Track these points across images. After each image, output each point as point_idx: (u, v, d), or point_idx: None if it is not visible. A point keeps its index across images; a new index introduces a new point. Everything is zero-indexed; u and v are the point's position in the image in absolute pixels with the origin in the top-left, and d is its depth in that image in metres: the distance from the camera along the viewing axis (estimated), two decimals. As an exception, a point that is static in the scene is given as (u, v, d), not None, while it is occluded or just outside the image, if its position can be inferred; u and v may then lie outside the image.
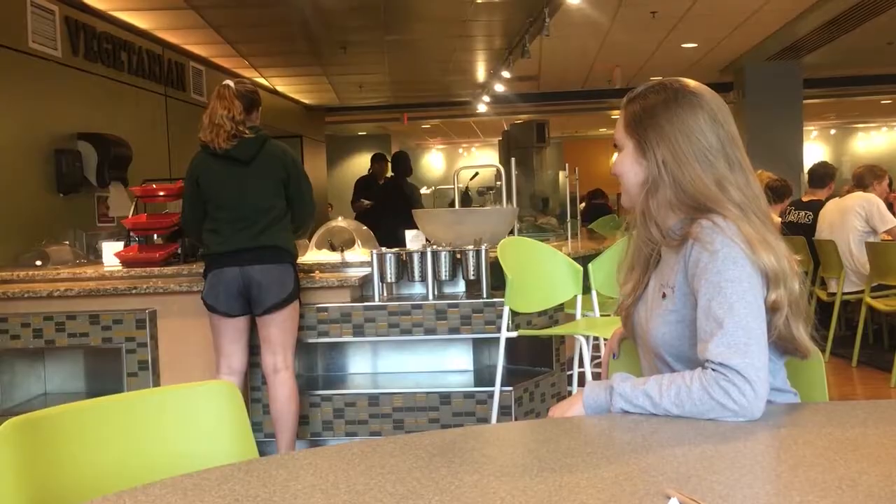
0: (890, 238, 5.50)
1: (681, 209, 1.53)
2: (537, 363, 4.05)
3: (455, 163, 19.17)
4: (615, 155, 1.67)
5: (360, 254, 4.33)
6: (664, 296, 1.54)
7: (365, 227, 4.73)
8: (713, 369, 1.38)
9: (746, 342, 1.38)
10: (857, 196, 5.75)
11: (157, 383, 3.67)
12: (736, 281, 1.41)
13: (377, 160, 8.94)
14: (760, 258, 1.44)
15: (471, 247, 3.79)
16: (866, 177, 5.86)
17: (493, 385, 3.51)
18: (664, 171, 1.53)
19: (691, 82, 1.59)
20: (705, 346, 1.41)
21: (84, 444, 1.36)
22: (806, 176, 6.94)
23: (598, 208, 10.91)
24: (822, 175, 6.40)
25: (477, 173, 9.22)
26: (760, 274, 1.45)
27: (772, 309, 1.46)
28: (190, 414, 1.48)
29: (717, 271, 1.42)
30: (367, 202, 8.33)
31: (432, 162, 20.52)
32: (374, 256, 3.80)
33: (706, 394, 1.36)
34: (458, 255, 3.82)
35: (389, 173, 8.84)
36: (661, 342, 1.54)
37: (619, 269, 1.70)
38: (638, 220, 1.59)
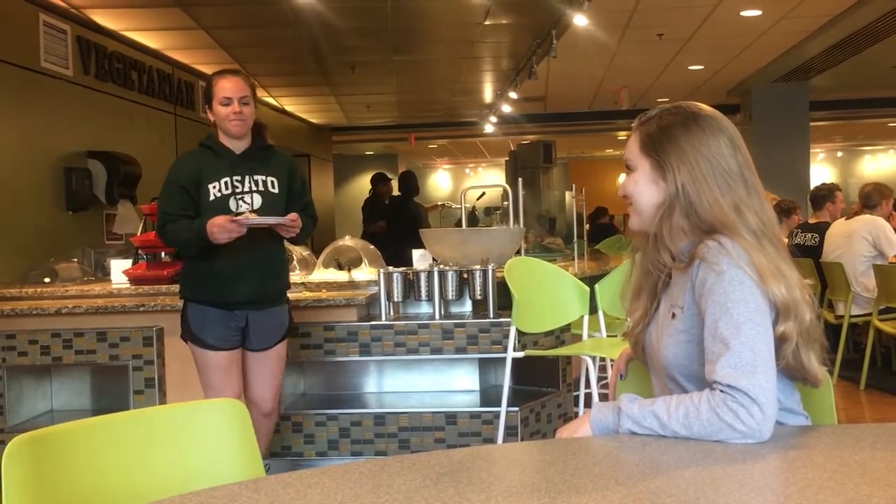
0: (898, 261, 5.49)
1: (693, 232, 1.53)
2: (544, 384, 4.04)
3: (462, 183, 19.22)
4: (622, 176, 1.67)
5: (367, 273, 4.34)
6: (674, 316, 1.53)
7: (372, 246, 4.74)
8: (721, 390, 1.37)
9: (753, 363, 1.37)
10: (864, 220, 5.73)
11: (163, 401, 3.67)
12: (742, 302, 1.41)
13: (378, 181, 8.92)
14: (770, 290, 1.44)
15: (478, 266, 3.80)
16: (873, 196, 5.84)
17: (499, 405, 3.50)
18: (681, 194, 1.52)
19: (705, 106, 1.59)
20: (713, 368, 1.40)
21: (91, 461, 1.36)
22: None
23: (603, 228, 10.91)
24: (817, 198, 6.42)
25: (483, 193, 9.24)
26: (769, 302, 1.44)
27: (780, 340, 1.45)
28: (197, 432, 1.48)
29: (723, 292, 1.42)
30: (381, 223, 8.30)
31: (439, 182, 20.58)
32: (381, 275, 3.81)
33: (714, 415, 1.36)
34: (465, 275, 3.82)
35: (394, 192, 8.86)
36: (672, 362, 1.53)
37: (623, 294, 1.69)
38: (650, 244, 1.58)
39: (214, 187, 3.00)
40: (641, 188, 1.58)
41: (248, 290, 3.06)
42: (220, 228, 2.87)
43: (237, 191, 3.01)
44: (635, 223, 1.62)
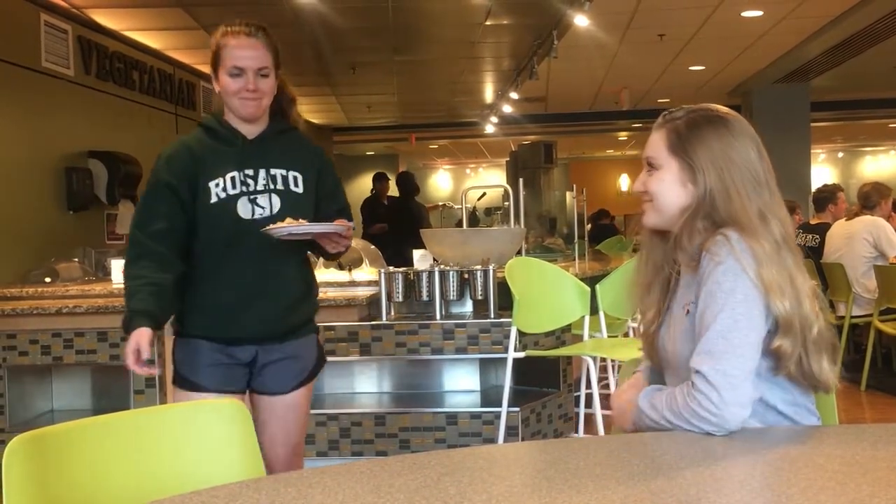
0: (899, 262, 5.49)
1: (708, 231, 1.52)
2: (544, 384, 4.04)
3: (462, 183, 19.22)
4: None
5: (367, 273, 4.34)
6: (688, 312, 1.54)
7: (373, 247, 4.74)
8: (693, 379, 1.41)
9: (722, 350, 1.40)
10: (865, 221, 5.73)
11: (163, 401, 3.67)
12: (729, 292, 1.42)
13: (378, 179, 8.99)
14: (773, 303, 1.44)
15: (478, 267, 3.80)
16: (872, 196, 5.84)
17: (499, 405, 3.50)
18: (709, 198, 1.52)
19: (728, 109, 1.59)
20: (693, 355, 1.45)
21: (92, 460, 1.36)
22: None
23: (604, 229, 10.92)
24: (819, 199, 6.42)
25: (484, 193, 9.25)
26: (770, 315, 1.44)
27: (775, 353, 1.46)
28: (197, 432, 1.48)
29: (715, 281, 1.44)
30: (382, 225, 8.35)
31: (439, 182, 20.58)
32: (382, 276, 3.81)
33: (686, 402, 1.40)
34: (466, 275, 3.82)
35: (392, 192, 8.90)
36: (689, 359, 1.52)
37: (631, 293, 1.68)
38: (671, 242, 1.57)
39: (217, 185, 2.21)
40: (667, 188, 1.56)
41: (256, 324, 2.25)
42: (129, 349, 2.11)
43: (248, 189, 2.22)
44: (652, 220, 1.59)
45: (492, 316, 3.74)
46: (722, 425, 1.36)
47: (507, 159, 12.60)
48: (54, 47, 6.13)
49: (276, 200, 2.25)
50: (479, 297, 3.80)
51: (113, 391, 3.93)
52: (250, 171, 2.24)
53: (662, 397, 1.46)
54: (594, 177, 17.98)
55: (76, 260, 5.08)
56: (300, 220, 2.18)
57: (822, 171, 18.10)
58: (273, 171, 2.26)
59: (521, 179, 5.22)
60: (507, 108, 11.12)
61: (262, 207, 2.23)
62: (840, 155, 19.45)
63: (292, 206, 2.25)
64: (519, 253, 4.62)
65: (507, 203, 5.40)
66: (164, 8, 6.62)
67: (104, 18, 6.72)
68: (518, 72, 9.20)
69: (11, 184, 5.61)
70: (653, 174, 1.58)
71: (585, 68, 9.47)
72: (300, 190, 2.28)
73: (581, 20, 6.47)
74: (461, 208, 5.03)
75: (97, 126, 6.66)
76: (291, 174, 2.28)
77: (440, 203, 10.70)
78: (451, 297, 3.81)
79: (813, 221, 6.46)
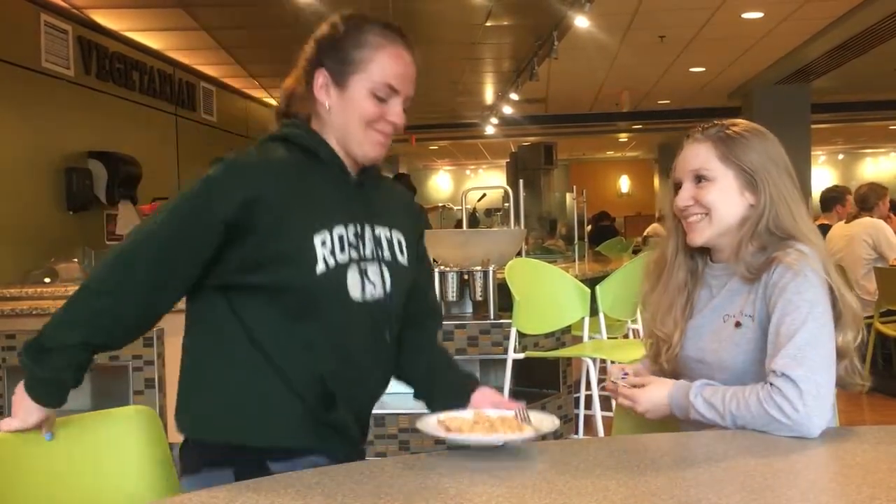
0: (899, 264, 5.49)
1: (769, 243, 1.52)
2: (544, 385, 4.03)
3: (462, 184, 19.23)
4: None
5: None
6: (738, 325, 1.52)
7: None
8: (771, 383, 1.38)
9: (812, 358, 1.39)
10: (864, 223, 5.73)
11: (163, 402, 3.67)
12: (814, 302, 1.43)
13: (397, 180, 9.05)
14: (845, 300, 1.47)
15: (478, 268, 3.79)
16: (870, 197, 5.84)
17: (499, 407, 3.49)
18: (768, 206, 1.52)
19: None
20: (772, 360, 1.41)
21: (8, 474, 1.35)
22: (815, 201, 6.95)
23: (604, 230, 10.94)
24: (827, 199, 6.42)
25: (485, 194, 9.26)
26: (844, 310, 1.48)
27: (840, 351, 1.47)
28: (108, 441, 1.48)
29: (796, 291, 1.44)
30: None
31: (440, 183, 20.59)
32: (382, 276, 3.80)
33: (762, 409, 1.37)
34: (466, 276, 3.82)
35: None
36: (742, 371, 1.50)
37: (649, 321, 1.64)
38: (726, 253, 1.56)
39: (324, 244, 1.41)
40: (727, 197, 1.54)
41: (367, 410, 1.67)
42: (31, 420, 1.44)
43: (358, 256, 1.45)
44: (706, 235, 1.56)
45: (492, 317, 3.74)
46: (805, 432, 1.35)
47: (508, 160, 12.61)
48: (54, 47, 6.14)
49: (387, 275, 1.50)
50: (479, 298, 3.80)
51: (113, 391, 3.92)
52: (356, 228, 1.47)
53: (720, 395, 1.42)
54: (594, 178, 18.00)
55: (76, 260, 5.09)
56: (510, 427, 1.40)
57: (822, 173, 18.11)
58: (378, 231, 1.51)
59: (521, 180, 5.22)
60: (508, 110, 11.13)
61: (373, 284, 1.48)
62: (840, 157, 19.47)
63: (401, 283, 1.54)
64: (519, 254, 4.62)
65: (507, 204, 5.40)
66: (164, 8, 6.63)
67: (104, 18, 6.73)
68: (518, 73, 9.21)
69: (11, 184, 5.62)
70: (704, 186, 1.55)
71: (586, 69, 9.47)
72: (405, 261, 1.56)
73: (581, 21, 6.48)
74: (461, 209, 5.03)
75: (97, 126, 6.66)
76: (396, 237, 1.55)
77: (439, 204, 10.71)
78: (451, 298, 3.81)
79: (818, 222, 6.46)
